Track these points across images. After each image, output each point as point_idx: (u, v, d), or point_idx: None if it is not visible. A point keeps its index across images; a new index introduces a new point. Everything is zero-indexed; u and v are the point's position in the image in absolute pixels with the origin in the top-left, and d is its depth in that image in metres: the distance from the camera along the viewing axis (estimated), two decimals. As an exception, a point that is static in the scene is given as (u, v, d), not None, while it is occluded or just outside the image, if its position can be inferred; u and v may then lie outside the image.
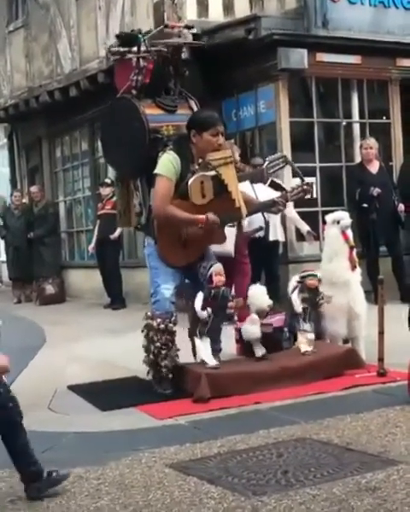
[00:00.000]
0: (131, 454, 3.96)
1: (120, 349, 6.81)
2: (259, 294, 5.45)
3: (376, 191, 8.74)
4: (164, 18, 9.39)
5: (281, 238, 8.42)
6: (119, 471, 3.74)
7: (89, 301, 11.64)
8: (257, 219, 7.47)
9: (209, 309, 5.12)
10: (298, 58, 8.92)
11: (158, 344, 5.16)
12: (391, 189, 9.06)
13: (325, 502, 3.14)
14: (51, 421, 4.90)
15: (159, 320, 5.17)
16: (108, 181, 10.83)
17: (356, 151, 9.63)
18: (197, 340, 5.22)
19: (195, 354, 5.43)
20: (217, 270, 5.19)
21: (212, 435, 4.22)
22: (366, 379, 5.27)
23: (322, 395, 5.00)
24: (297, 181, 5.74)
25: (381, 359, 5.30)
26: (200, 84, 8.36)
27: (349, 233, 5.94)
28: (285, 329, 5.88)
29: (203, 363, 5.19)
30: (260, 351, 5.43)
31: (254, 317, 5.40)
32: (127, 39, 5.59)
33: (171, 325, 5.19)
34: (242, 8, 9.81)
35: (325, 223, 6.23)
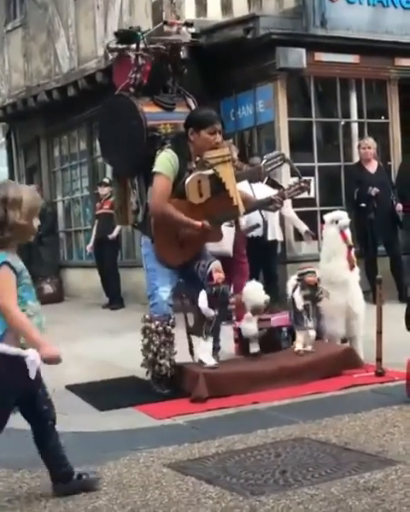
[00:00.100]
0: (130, 454, 3.96)
1: (118, 349, 6.81)
2: (253, 290, 5.44)
3: (374, 191, 8.74)
4: (162, 17, 9.39)
5: (279, 238, 8.42)
6: (117, 471, 3.73)
7: (87, 301, 11.63)
8: (255, 218, 7.46)
9: (213, 307, 5.12)
10: (296, 57, 8.92)
11: (157, 346, 5.16)
12: (389, 189, 9.07)
13: (323, 501, 3.13)
14: (49, 420, 4.89)
15: (157, 322, 5.17)
16: (106, 180, 10.82)
17: (355, 151, 9.64)
18: (200, 340, 5.21)
19: (192, 353, 5.43)
20: (216, 267, 5.19)
21: (210, 435, 4.21)
22: (365, 379, 5.26)
23: (320, 395, 4.99)
24: (295, 179, 5.73)
25: (379, 359, 5.30)
26: (198, 83, 8.35)
27: (348, 233, 5.94)
28: (284, 329, 5.87)
29: (201, 362, 5.18)
30: (254, 348, 5.43)
31: (249, 315, 5.40)
32: (126, 37, 5.58)
33: (169, 327, 5.20)
34: (240, 8, 9.82)
35: (323, 222, 6.24)
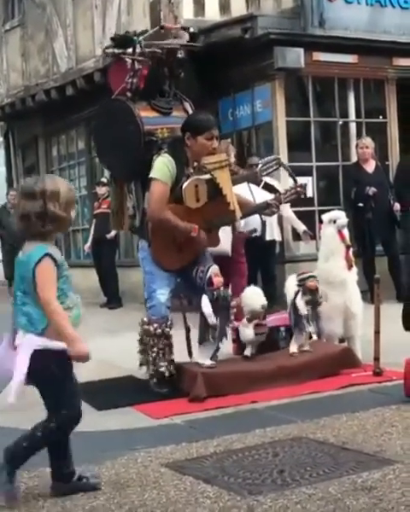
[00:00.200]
0: (127, 453, 3.96)
1: (116, 348, 6.80)
2: (251, 295, 5.45)
3: (371, 190, 8.75)
4: (160, 17, 9.39)
5: (278, 238, 8.41)
6: (114, 470, 3.74)
7: (85, 300, 11.47)
8: (253, 220, 7.47)
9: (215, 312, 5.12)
10: (295, 57, 8.92)
11: (155, 349, 5.17)
12: (387, 189, 9.07)
13: (321, 501, 3.14)
14: (47, 420, 4.89)
15: (156, 325, 5.18)
16: (104, 180, 10.81)
17: (353, 150, 9.64)
18: (200, 345, 5.21)
19: (190, 354, 5.43)
20: (215, 271, 5.19)
21: (208, 434, 4.22)
22: (362, 378, 5.27)
23: (318, 394, 5.00)
24: (292, 184, 5.74)
25: (377, 358, 5.31)
26: (196, 84, 8.36)
27: (346, 232, 5.94)
28: (282, 329, 5.87)
29: (198, 363, 5.19)
30: (248, 351, 5.44)
31: (245, 321, 5.40)
32: (122, 41, 5.58)
33: (167, 330, 5.20)
34: (238, 8, 9.82)
35: (321, 222, 6.24)
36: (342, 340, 5.96)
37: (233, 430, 4.24)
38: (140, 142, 5.29)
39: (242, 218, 5.43)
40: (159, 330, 5.16)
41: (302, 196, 5.86)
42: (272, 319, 5.82)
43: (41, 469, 3.78)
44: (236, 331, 5.65)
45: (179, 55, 5.61)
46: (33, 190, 3.30)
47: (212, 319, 5.08)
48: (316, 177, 9.51)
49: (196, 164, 5.14)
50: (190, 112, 5.58)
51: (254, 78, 9.52)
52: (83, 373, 6.03)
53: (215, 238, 5.34)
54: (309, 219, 8.95)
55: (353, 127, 9.97)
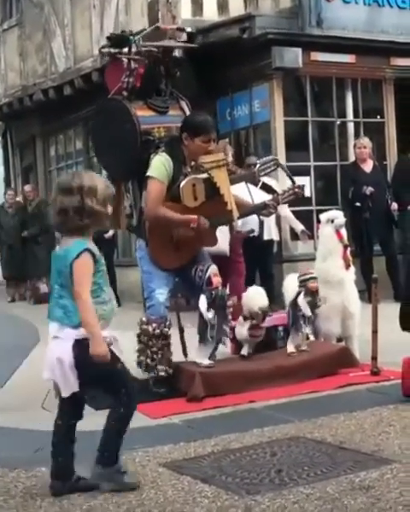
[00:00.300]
0: (125, 453, 3.94)
1: (114, 348, 6.79)
2: (251, 297, 5.45)
3: (369, 190, 8.76)
4: (158, 17, 9.39)
5: (275, 237, 8.41)
6: (112, 470, 3.73)
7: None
8: (251, 220, 7.47)
9: (213, 311, 5.12)
10: (292, 57, 8.93)
11: (154, 348, 5.17)
12: (385, 188, 9.08)
13: (319, 501, 3.14)
14: (45, 420, 4.86)
15: (154, 325, 5.18)
16: (102, 180, 10.80)
17: (350, 150, 9.64)
18: (200, 344, 5.21)
19: (185, 354, 5.44)
20: (215, 271, 5.19)
21: (206, 434, 4.21)
22: (360, 378, 5.27)
23: (316, 394, 5.00)
24: (290, 185, 5.74)
25: (375, 358, 5.31)
26: (193, 83, 8.36)
27: (343, 232, 5.94)
28: (280, 328, 5.88)
29: (196, 362, 5.19)
30: (244, 350, 5.44)
31: (241, 319, 5.41)
32: (118, 41, 5.58)
33: (166, 329, 5.20)
34: (236, 7, 9.82)
35: (319, 222, 6.24)
36: (339, 340, 5.97)
37: (231, 430, 4.24)
38: (137, 141, 5.29)
39: (239, 218, 5.43)
40: (157, 330, 5.16)
41: (300, 197, 5.86)
42: (270, 319, 5.82)
43: (39, 469, 3.79)
44: (233, 330, 5.65)
45: (176, 54, 5.61)
46: (70, 186, 3.36)
47: (207, 315, 5.08)
48: (314, 177, 9.51)
49: (193, 163, 5.13)
50: (187, 111, 5.58)
51: (252, 77, 9.53)
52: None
53: (213, 237, 5.33)
54: (307, 219, 8.96)
55: (350, 127, 9.98)
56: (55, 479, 3.47)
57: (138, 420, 4.64)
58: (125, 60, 5.42)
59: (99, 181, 3.44)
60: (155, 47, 5.51)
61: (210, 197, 5.13)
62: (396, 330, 4.79)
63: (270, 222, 8.14)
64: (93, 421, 4.71)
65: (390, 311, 5.07)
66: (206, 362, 5.15)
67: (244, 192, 6.82)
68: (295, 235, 8.88)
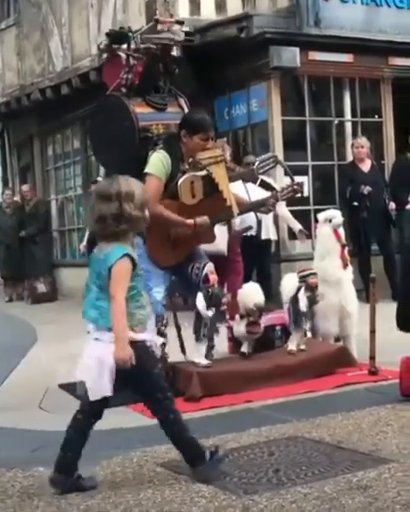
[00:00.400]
0: (123, 453, 3.96)
1: (111, 348, 6.79)
2: (246, 294, 5.45)
3: (366, 189, 8.77)
4: (156, 16, 9.37)
5: (273, 237, 8.41)
6: (110, 470, 3.73)
7: (80, 300, 11.52)
8: (249, 218, 7.47)
9: (212, 309, 5.12)
10: (290, 56, 8.92)
11: None
12: (383, 188, 9.08)
13: (317, 500, 3.13)
14: (42, 419, 4.89)
15: None
16: (99, 179, 10.77)
17: (348, 150, 9.65)
18: (196, 343, 5.21)
19: (183, 352, 5.43)
20: (211, 269, 5.19)
21: (203, 434, 4.19)
22: (358, 377, 5.27)
23: (314, 393, 5.00)
24: (288, 180, 5.74)
25: (372, 358, 5.31)
26: (192, 82, 8.35)
27: (341, 231, 5.95)
28: (277, 328, 5.87)
29: (194, 362, 5.18)
30: (244, 348, 5.44)
31: (237, 317, 5.41)
32: (117, 37, 5.57)
33: (163, 328, 5.19)
34: (234, 7, 9.81)
35: (317, 221, 6.24)
36: (337, 339, 5.97)
37: (228, 429, 4.23)
38: (135, 138, 5.28)
39: (238, 214, 5.42)
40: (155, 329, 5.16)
41: (299, 194, 5.86)
42: (268, 318, 5.82)
43: (36, 469, 3.78)
44: (231, 330, 5.65)
45: (174, 52, 5.61)
46: (109, 192, 3.42)
47: (206, 313, 5.07)
48: (312, 177, 9.52)
49: (191, 160, 5.13)
50: (185, 108, 5.57)
51: (249, 77, 9.52)
52: (78, 372, 6.06)
53: (211, 235, 5.33)
54: (305, 218, 8.96)
55: (348, 126, 9.98)
56: (57, 472, 3.46)
57: (136, 420, 4.66)
58: (123, 56, 5.42)
59: (136, 186, 3.51)
60: (154, 43, 5.51)
61: (208, 194, 5.12)
62: (394, 330, 4.80)
63: (268, 221, 8.14)
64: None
65: (388, 310, 5.06)
66: (204, 362, 5.15)
67: (241, 189, 6.81)
68: (292, 235, 8.88)
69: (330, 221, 5.91)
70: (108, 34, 5.71)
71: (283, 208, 8.16)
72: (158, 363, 3.56)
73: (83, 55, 11.31)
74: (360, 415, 4.42)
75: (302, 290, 5.50)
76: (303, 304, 5.48)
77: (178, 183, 5.04)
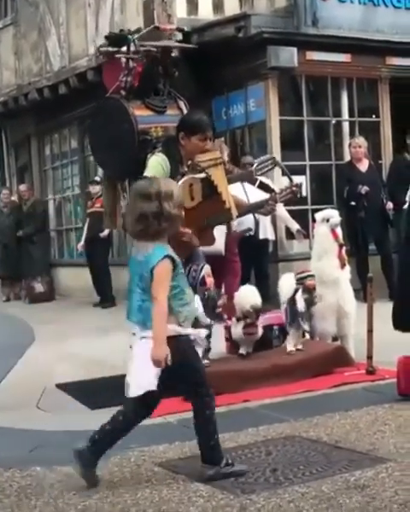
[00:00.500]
0: (120, 452, 3.95)
1: (109, 347, 6.79)
2: (243, 296, 5.45)
3: (364, 189, 8.77)
4: (154, 16, 9.38)
5: (271, 236, 8.41)
6: (108, 469, 3.73)
7: (78, 299, 11.62)
8: (247, 219, 7.47)
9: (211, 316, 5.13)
10: (288, 56, 8.93)
11: None
12: (380, 188, 9.09)
13: (314, 500, 3.14)
14: (40, 419, 4.89)
15: None
16: (97, 179, 10.80)
17: (346, 149, 9.65)
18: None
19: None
20: (208, 271, 5.19)
21: (201, 433, 4.20)
22: (356, 377, 5.27)
23: (311, 393, 5.00)
24: (286, 180, 5.73)
25: (370, 357, 5.31)
26: (191, 84, 8.35)
27: (339, 231, 5.95)
28: (275, 328, 5.88)
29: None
30: (243, 349, 5.44)
31: (234, 320, 5.40)
32: (116, 40, 5.57)
33: None
34: (231, 7, 9.82)
35: (314, 221, 6.24)
36: (335, 339, 5.97)
37: (226, 429, 4.22)
38: (134, 140, 5.28)
39: (237, 216, 5.42)
40: None
41: (298, 196, 5.86)
42: (266, 318, 5.82)
43: (33, 469, 3.78)
44: (228, 330, 5.65)
45: (174, 54, 5.61)
46: (149, 192, 3.46)
47: (205, 320, 5.07)
48: (309, 176, 9.51)
49: (190, 162, 5.13)
50: (185, 110, 5.57)
51: (247, 77, 9.52)
52: (76, 372, 6.07)
53: (210, 237, 5.32)
54: (302, 218, 8.96)
55: (346, 126, 9.98)
56: (78, 459, 3.48)
57: (133, 419, 4.65)
58: (123, 59, 5.42)
59: (173, 185, 3.59)
60: (154, 47, 5.51)
61: (207, 197, 5.11)
62: (392, 329, 4.79)
63: (265, 221, 8.14)
64: (87, 420, 4.72)
65: (386, 310, 5.07)
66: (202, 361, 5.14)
67: (240, 191, 6.81)
68: (290, 235, 8.89)
69: (327, 221, 5.91)
70: (107, 37, 5.72)
71: (280, 208, 8.15)
72: (199, 358, 3.62)
73: (80, 55, 11.30)
74: (358, 414, 4.42)
75: (299, 292, 5.51)
76: (300, 305, 5.48)
77: (177, 185, 5.04)
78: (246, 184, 7.33)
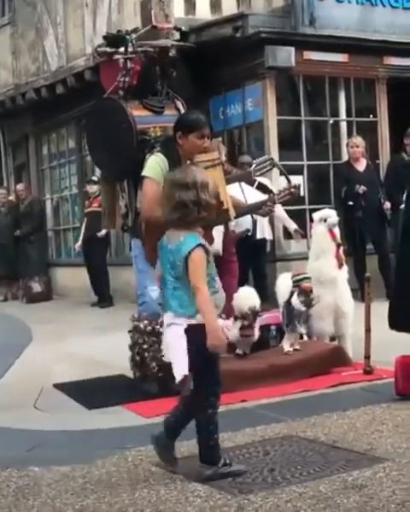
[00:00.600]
0: (118, 452, 3.96)
1: (107, 347, 6.79)
2: (241, 297, 5.45)
3: (361, 189, 8.78)
4: (151, 15, 9.37)
5: (268, 236, 8.41)
6: (105, 469, 3.73)
7: (76, 299, 11.61)
8: (245, 219, 7.46)
9: None
10: (285, 56, 8.92)
11: (145, 345, 5.16)
12: (378, 187, 9.09)
13: (312, 499, 3.14)
14: (37, 419, 4.88)
15: (146, 322, 5.17)
16: (95, 178, 10.79)
17: (343, 149, 9.65)
18: None
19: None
20: None
21: (199, 433, 4.20)
22: (353, 376, 5.28)
23: (309, 393, 5.01)
24: (284, 180, 5.73)
25: (368, 357, 5.32)
26: (189, 83, 8.34)
27: (336, 231, 5.95)
28: (272, 328, 5.88)
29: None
30: (239, 350, 5.44)
31: (229, 322, 5.41)
32: (114, 40, 5.56)
33: (158, 327, 5.19)
34: (229, 6, 9.81)
35: (312, 220, 6.24)
36: (332, 339, 5.97)
37: (223, 429, 4.20)
38: (133, 141, 5.28)
39: (235, 217, 5.43)
40: (149, 327, 5.16)
41: (296, 197, 5.86)
42: (263, 318, 5.82)
43: (31, 468, 3.78)
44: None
45: (172, 54, 5.60)
46: (186, 181, 3.50)
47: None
48: (307, 176, 9.51)
49: (188, 162, 5.12)
50: (183, 110, 5.57)
51: (244, 76, 9.52)
52: (73, 372, 6.07)
53: (209, 237, 5.32)
54: (300, 218, 8.96)
55: (343, 126, 9.98)
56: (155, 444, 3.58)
57: (131, 419, 4.66)
58: (121, 59, 5.41)
59: (207, 175, 3.60)
60: (152, 47, 5.50)
61: None
62: (389, 329, 4.80)
63: (263, 221, 8.13)
64: (85, 420, 4.73)
65: (383, 309, 5.07)
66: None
67: (237, 192, 6.81)
68: (288, 234, 8.88)
69: (325, 220, 5.92)
70: (105, 37, 5.71)
71: (278, 208, 8.14)
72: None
73: (78, 55, 11.30)
74: (355, 414, 4.43)
75: (295, 295, 5.51)
76: (298, 309, 5.48)
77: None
78: (244, 185, 7.33)
